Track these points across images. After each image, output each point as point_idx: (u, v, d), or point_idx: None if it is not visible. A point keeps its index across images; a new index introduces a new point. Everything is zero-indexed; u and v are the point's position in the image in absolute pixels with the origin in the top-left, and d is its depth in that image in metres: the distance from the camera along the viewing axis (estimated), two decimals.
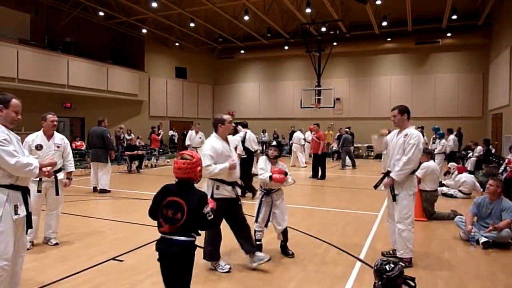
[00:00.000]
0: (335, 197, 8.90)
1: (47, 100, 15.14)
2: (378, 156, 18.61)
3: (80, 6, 16.07)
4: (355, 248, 4.68)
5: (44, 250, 4.58)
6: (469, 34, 18.30)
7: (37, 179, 4.17)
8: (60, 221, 4.95)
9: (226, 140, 4.03)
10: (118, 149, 14.21)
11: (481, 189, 8.21)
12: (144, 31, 19.24)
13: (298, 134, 15.53)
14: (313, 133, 12.27)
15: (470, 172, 10.45)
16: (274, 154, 4.37)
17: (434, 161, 7.18)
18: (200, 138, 12.03)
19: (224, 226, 3.97)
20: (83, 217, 6.34)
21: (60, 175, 4.72)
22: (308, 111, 20.56)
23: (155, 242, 2.60)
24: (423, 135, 8.19)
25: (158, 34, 20.03)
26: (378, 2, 15.20)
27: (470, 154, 12.83)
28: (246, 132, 8.23)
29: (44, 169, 3.05)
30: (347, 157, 14.93)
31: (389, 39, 19.44)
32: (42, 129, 4.73)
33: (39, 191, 4.34)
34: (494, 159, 12.03)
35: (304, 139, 15.26)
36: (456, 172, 9.15)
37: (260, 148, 14.45)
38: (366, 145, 19.86)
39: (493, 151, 12.88)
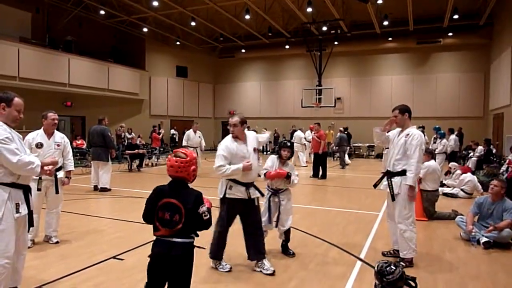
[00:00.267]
0: (336, 196, 8.91)
1: (48, 98, 15.16)
2: (379, 156, 18.60)
3: (81, 5, 16.08)
4: (356, 248, 4.69)
5: (45, 248, 4.59)
6: (471, 34, 18.27)
7: (37, 177, 4.17)
8: (60, 219, 4.96)
9: (244, 141, 3.92)
10: (118, 148, 14.23)
11: (482, 189, 8.21)
12: (145, 30, 19.25)
13: (298, 134, 15.54)
14: (313, 132, 12.27)
15: (471, 172, 10.43)
16: (288, 156, 4.34)
17: (435, 161, 7.17)
18: (199, 137, 11.98)
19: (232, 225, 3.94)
20: (83, 215, 6.35)
21: (60, 174, 4.73)
22: (309, 111, 20.54)
23: (152, 245, 2.50)
24: (424, 135, 8.17)
25: (159, 33, 20.04)
26: (379, 2, 15.15)
27: (471, 154, 12.81)
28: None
29: (45, 167, 3.05)
30: (346, 156, 14.93)
31: (390, 39, 19.44)
32: (42, 127, 4.73)
33: (39, 189, 4.34)
34: (495, 159, 12.01)
35: (305, 138, 15.26)
36: (457, 172, 9.14)
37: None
38: (367, 144, 19.86)
39: (494, 151, 12.86)
